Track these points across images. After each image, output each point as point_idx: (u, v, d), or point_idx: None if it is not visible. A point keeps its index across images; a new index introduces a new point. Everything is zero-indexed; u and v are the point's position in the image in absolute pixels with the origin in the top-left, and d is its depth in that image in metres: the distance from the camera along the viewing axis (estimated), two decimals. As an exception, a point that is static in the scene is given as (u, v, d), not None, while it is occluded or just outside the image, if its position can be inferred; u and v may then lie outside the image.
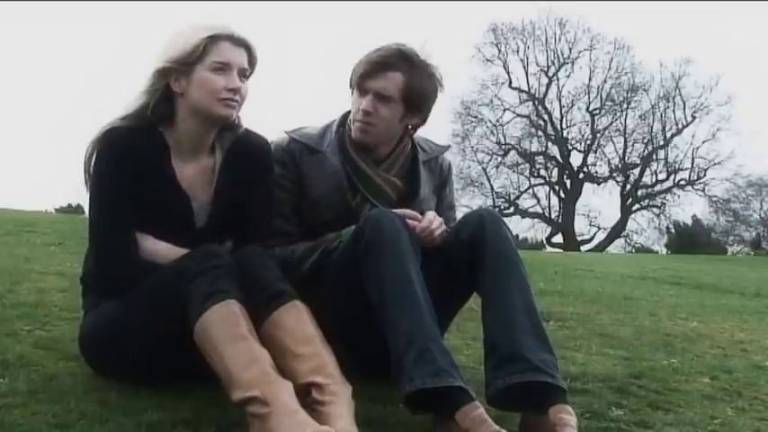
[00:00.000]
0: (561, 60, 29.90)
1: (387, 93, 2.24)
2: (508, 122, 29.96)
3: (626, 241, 29.75)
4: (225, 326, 1.80)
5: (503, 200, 29.56)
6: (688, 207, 28.45)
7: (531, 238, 29.53)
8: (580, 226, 29.57)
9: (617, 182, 29.78)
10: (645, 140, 29.47)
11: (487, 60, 29.75)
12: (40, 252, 4.79)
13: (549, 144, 29.98)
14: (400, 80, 2.23)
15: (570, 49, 29.77)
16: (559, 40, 29.78)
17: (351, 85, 2.32)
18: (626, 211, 29.38)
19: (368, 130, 2.28)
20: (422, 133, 2.45)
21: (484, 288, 2.07)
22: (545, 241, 29.51)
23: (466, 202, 26.87)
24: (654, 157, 29.40)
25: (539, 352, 1.93)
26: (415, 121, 2.34)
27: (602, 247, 28.57)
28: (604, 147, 29.92)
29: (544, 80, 30.10)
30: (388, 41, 2.30)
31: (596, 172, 29.96)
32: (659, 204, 29.32)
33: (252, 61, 2.10)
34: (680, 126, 29.02)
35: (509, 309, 2.00)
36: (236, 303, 1.84)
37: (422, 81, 2.26)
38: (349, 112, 2.36)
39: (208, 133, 2.12)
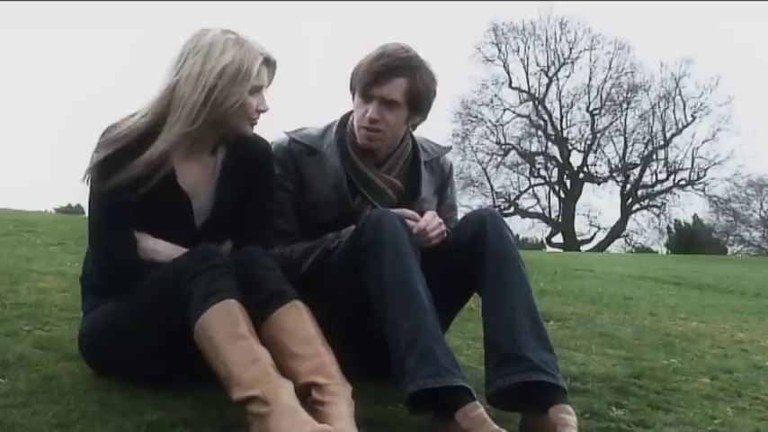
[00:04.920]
0: (561, 60, 29.97)
1: (392, 98, 2.23)
2: (508, 122, 30.06)
3: (626, 241, 29.82)
4: (225, 325, 1.80)
5: (503, 200, 29.60)
6: (688, 207, 28.54)
7: (531, 238, 29.58)
8: (580, 226, 29.65)
9: (617, 182, 29.83)
10: (645, 140, 29.53)
11: (487, 60, 29.85)
12: (40, 252, 4.79)
13: (549, 144, 30.02)
14: (404, 85, 2.23)
15: (570, 49, 29.85)
16: (560, 39, 29.87)
17: (352, 91, 2.31)
18: (626, 211, 29.40)
19: (375, 137, 2.28)
20: (423, 134, 2.46)
21: (484, 288, 2.07)
22: (545, 241, 29.54)
23: (466, 202, 26.92)
24: (654, 157, 29.43)
25: (539, 352, 1.93)
26: (417, 120, 2.35)
27: (602, 247, 28.60)
28: (604, 147, 30.01)
29: (544, 80, 30.18)
30: (384, 41, 2.30)
31: (596, 172, 30.03)
32: (659, 204, 29.36)
33: (271, 78, 2.12)
34: (680, 126, 29.07)
35: (510, 308, 2.00)
36: (235, 303, 1.83)
37: (424, 82, 2.26)
38: (350, 113, 2.37)
39: (216, 138, 2.13)
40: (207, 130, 2.08)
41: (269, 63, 2.09)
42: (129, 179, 1.99)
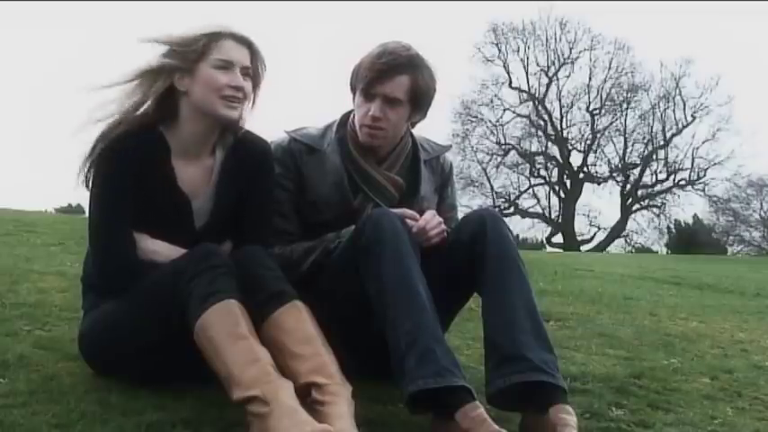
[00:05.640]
0: (561, 60, 29.94)
1: (395, 95, 2.24)
2: (508, 122, 30.03)
3: (626, 241, 29.80)
4: (225, 325, 1.80)
5: (503, 200, 29.58)
6: (688, 207, 28.53)
7: (531, 238, 29.58)
8: (580, 226, 29.63)
9: (617, 182, 29.81)
10: (645, 140, 29.52)
11: (488, 60, 29.82)
12: (40, 252, 4.79)
13: (549, 144, 30.00)
14: (406, 82, 2.24)
15: (570, 49, 29.82)
16: (560, 40, 29.84)
17: (353, 89, 2.31)
18: (626, 211, 29.39)
19: (377, 134, 2.28)
20: (423, 133, 2.46)
21: (484, 288, 2.07)
22: (545, 241, 29.53)
23: (466, 202, 26.91)
24: (654, 157, 29.42)
25: (539, 352, 1.93)
26: (418, 118, 2.35)
27: (602, 247, 28.59)
28: (604, 147, 29.99)
29: (544, 80, 30.16)
30: (384, 40, 2.30)
31: (596, 172, 30.01)
32: (659, 204, 29.34)
33: (256, 60, 2.11)
34: (680, 126, 29.05)
35: (510, 308, 2.00)
36: (235, 303, 1.84)
37: (425, 80, 2.26)
38: (349, 112, 2.36)
39: (211, 134, 2.13)
40: (199, 127, 2.08)
41: (241, 41, 2.08)
42: (129, 175, 2.01)
